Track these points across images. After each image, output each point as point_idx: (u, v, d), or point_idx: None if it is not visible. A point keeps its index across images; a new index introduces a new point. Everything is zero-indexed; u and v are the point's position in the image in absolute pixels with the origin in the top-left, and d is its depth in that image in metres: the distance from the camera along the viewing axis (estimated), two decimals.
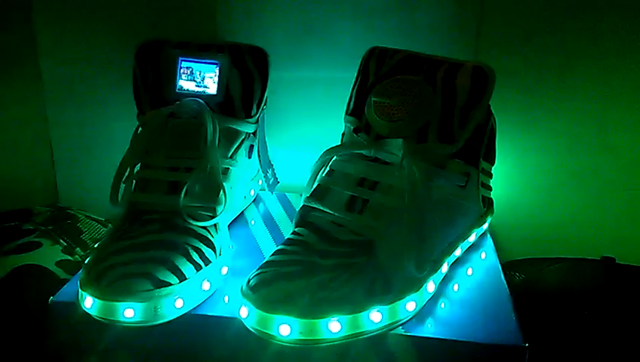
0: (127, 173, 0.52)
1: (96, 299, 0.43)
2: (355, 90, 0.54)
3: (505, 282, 0.52)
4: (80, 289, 0.45)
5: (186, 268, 0.46)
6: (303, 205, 0.50)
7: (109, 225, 0.67)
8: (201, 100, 0.54)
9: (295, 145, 0.71)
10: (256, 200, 0.67)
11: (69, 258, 0.59)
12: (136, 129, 0.55)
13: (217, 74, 0.56)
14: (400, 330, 0.44)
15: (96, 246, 0.51)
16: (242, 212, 0.64)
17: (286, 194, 0.70)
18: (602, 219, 0.68)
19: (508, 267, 0.59)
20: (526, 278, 0.61)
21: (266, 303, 0.41)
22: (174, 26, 0.69)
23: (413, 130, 0.48)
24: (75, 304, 0.46)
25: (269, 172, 0.62)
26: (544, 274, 0.61)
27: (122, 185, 0.52)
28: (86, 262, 0.47)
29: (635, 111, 0.66)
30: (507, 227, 0.66)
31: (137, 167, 0.54)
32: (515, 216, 0.69)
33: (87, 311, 0.44)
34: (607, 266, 0.60)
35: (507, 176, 0.67)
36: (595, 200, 0.68)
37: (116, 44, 0.69)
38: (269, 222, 0.63)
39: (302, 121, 0.70)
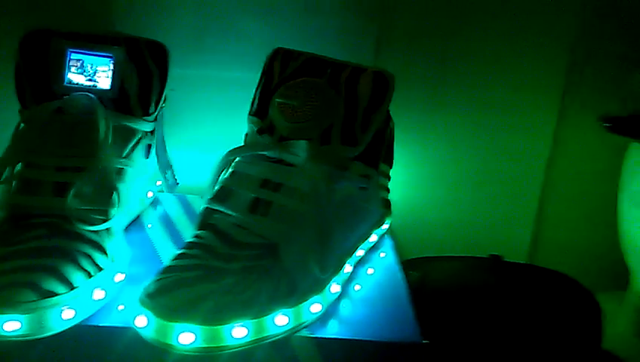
0: (6, 174, 0.48)
1: None
2: (259, 91, 0.53)
3: (403, 281, 0.54)
4: None
5: (76, 276, 0.43)
6: (205, 207, 0.48)
7: None
8: (92, 95, 0.50)
9: (196, 146, 0.69)
10: (154, 203, 0.64)
11: None
12: (18, 125, 0.50)
13: (111, 68, 0.52)
14: (304, 332, 0.44)
15: None
16: (139, 215, 0.61)
17: (186, 196, 0.67)
18: (491, 220, 0.73)
19: (406, 265, 0.62)
20: (420, 276, 0.63)
21: (166, 311, 0.39)
22: (66, 16, 0.64)
23: (317, 132, 0.49)
24: None
25: (168, 173, 0.60)
26: (439, 272, 0.65)
27: (1, 186, 0.47)
28: None
29: (528, 114, 0.71)
30: (405, 227, 0.69)
31: (19, 167, 0.49)
32: (413, 217, 0.72)
33: None
34: (495, 263, 0.64)
35: (405, 179, 0.70)
36: (486, 201, 0.73)
37: None
38: (168, 225, 0.60)
39: (203, 120, 0.68)
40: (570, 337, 0.57)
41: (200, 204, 0.49)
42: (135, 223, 0.59)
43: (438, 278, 0.64)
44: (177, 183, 0.62)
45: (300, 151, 0.48)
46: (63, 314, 0.41)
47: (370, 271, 0.55)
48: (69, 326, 0.42)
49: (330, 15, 0.66)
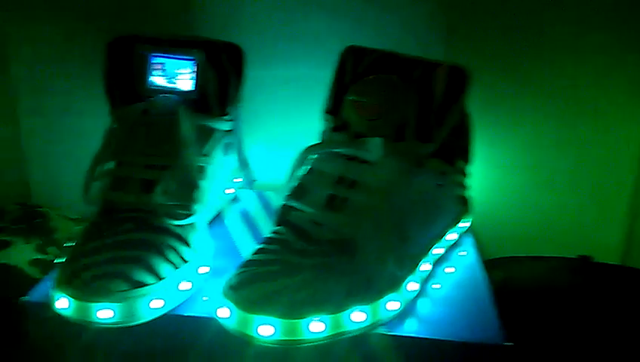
0: (100, 171, 0.51)
1: (71, 300, 0.42)
2: (332, 89, 0.53)
3: (486, 280, 0.52)
4: (53, 290, 0.43)
5: (163, 267, 0.45)
6: (282, 204, 0.49)
7: (84, 223, 0.65)
8: (175, 97, 0.53)
9: (272, 143, 0.70)
10: (233, 199, 0.67)
11: (44, 257, 0.58)
12: (110, 125, 0.54)
13: (191, 70, 0.54)
14: (382, 330, 0.44)
15: (70, 245, 0.49)
16: (220, 211, 0.63)
17: (264, 192, 0.69)
18: (580, 218, 0.70)
19: (488, 265, 0.60)
20: (505, 276, 0.61)
21: (246, 303, 0.40)
22: (146, 21, 0.67)
23: (391, 128, 0.48)
24: (47, 304, 0.44)
25: (246, 170, 0.61)
26: (523, 272, 0.62)
27: (96, 183, 0.51)
28: (60, 261, 0.46)
29: (625, 106, 0.66)
30: (487, 225, 0.67)
31: (110, 165, 0.52)
32: (496, 215, 0.69)
33: (61, 312, 0.43)
34: (584, 264, 0.61)
35: (485, 175, 0.68)
36: (574, 200, 0.69)
37: (87, 40, 0.67)
38: (248, 221, 0.62)
39: (280, 118, 0.70)
40: None
41: (277, 200, 0.50)
42: (216, 218, 0.61)
43: (523, 279, 0.61)
44: (255, 180, 0.63)
45: (374, 148, 0.47)
46: (152, 303, 0.44)
47: (450, 269, 0.54)
48: (157, 316, 0.44)
49: (399, 9, 0.65)
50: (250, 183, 0.62)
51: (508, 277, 0.61)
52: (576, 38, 0.65)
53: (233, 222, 0.61)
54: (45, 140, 0.74)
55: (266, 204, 0.66)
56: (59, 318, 0.43)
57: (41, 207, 0.65)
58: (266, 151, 0.70)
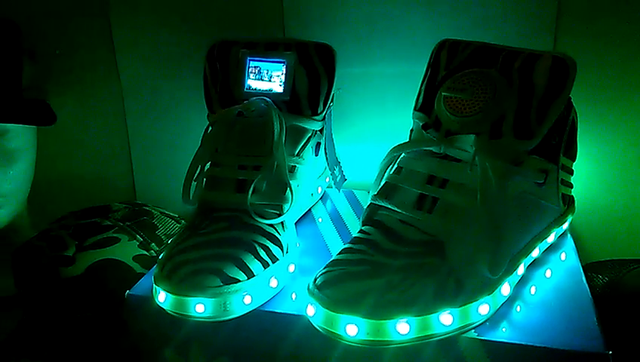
0: (198, 172, 0.54)
1: (169, 294, 0.45)
2: (424, 85, 0.52)
3: (586, 285, 0.49)
4: (154, 284, 0.46)
5: (254, 265, 0.47)
6: (371, 203, 0.49)
7: (182, 221, 0.69)
8: (268, 99, 0.54)
9: (362, 142, 0.70)
10: (323, 198, 0.67)
11: (145, 253, 0.61)
12: (207, 128, 0.56)
13: (284, 72, 0.56)
14: (472, 334, 0.42)
15: (169, 242, 0.52)
16: (309, 209, 0.64)
17: (353, 191, 0.69)
18: None
19: (589, 269, 0.56)
20: (608, 281, 0.57)
21: (332, 303, 0.41)
22: (243, 25, 0.70)
23: (487, 125, 0.46)
24: (150, 298, 0.47)
25: (336, 169, 0.62)
26: (627, 277, 0.57)
27: (194, 183, 0.53)
28: (160, 257, 0.49)
29: None
30: (589, 227, 0.63)
31: (207, 165, 0.55)
32: (598, 215, 0.64)
33: (161, 305, 0.46)
34: None
35: (589, 173, 0.63)
36: None
37: (188, 45, 0.71)
38: (336, 220, 0.62)
39: (369, 117, 0.69)
40: None
41: (367, 200, 0.50)
42: (306, 217, 0.62)
43: (629, 284, 0.57)
44: (345, 179, 0.64)
45: (467, 146, 0.46)
46: (244, 299, 0.45)
47: (548, 273, 0.51)
48: (248, 311, 0.46)
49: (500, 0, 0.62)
50: (340, 182, 0.62)
51: (612, 282, 0.56)
52: None
53: (322, 221, 0.62)
54: (150, 144, 0.79)
55: (355, 204, 0.66)
56: (159, 311, 0.46)
57: (145, 206, 0.70)
58: (356, 149, 0.70)
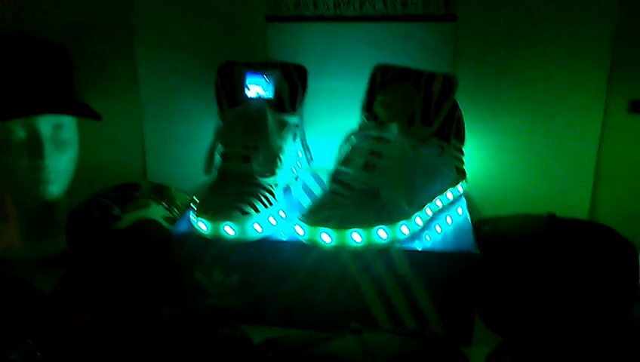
0: (217, 151, 0.79)
1: (208, 223, 0.70)
2: (366, 93, 0.79)
3: (470, 223, 0.76)
4: (197, 218, 0.71)
5: (259, 205, 0.72)
6: (335, 169, 0.75)
7: (193, 196, 0.92)
8: (263, 101, 0.80)
9: (324, 135, 0.96)
10: (297, 178, 0.92)
11: (170, 215, 0.84)
12: (218, 124, 0.81)
13: (272, 83, 0.82)
14: (398, 245, 0.70)
15: (194, 197, 0.77)
16: (288, 185, 0.89)
17: (318, 173, 0.95)
18: (549, 189, 0.93)
19: (478, 222, 0.81)
20: (491, 229, 0.82)
21: (313, 221, 0.67)
22: (242, 51, 0.95)
23: (404, 118, 0.74)
24: (186, 233, 0.72)
25: (307, 151, 0.88)
26: (503, 225, 0.84)
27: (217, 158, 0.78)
28: (195, 205, 0.74)
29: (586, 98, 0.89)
30: (478, 192, 0.91)
31: (221, 147, 0.80)
32: (486, 184, 0.92)
33: (202, 231, 0.70)
34: (551, 220, 0.78)
35: (479, 154, 0.92)
36: (545, 169, 0.92)
37: (198, 63, 0.96)
38: (306, 191, 0.88)
39: (332, 116, 0.94)
40: (609, 279, 0.69)
41: (326, 178, 0.75)
42: (287, 190, 0.88)
43: (504, 230, 0.81)
44: (312, 159, 0.90)
45: (393, 130, 0.73)
46: (254, 226, 0.71)
47: (448, 219, 0.78)
48: (258, 237, 0.71)
49: (411, 36, 0.90)
50: (309, 160, 0.89)
51: (493, 230, 0.79)
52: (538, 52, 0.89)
53: (296, 192, 0.88)
54: (163, 139, 1.01)
55: (319, 180, 0.92)
56: (195, 240, 0.71)
57: (165, 185, 0.93)
58: (319, 141, 0.96)
